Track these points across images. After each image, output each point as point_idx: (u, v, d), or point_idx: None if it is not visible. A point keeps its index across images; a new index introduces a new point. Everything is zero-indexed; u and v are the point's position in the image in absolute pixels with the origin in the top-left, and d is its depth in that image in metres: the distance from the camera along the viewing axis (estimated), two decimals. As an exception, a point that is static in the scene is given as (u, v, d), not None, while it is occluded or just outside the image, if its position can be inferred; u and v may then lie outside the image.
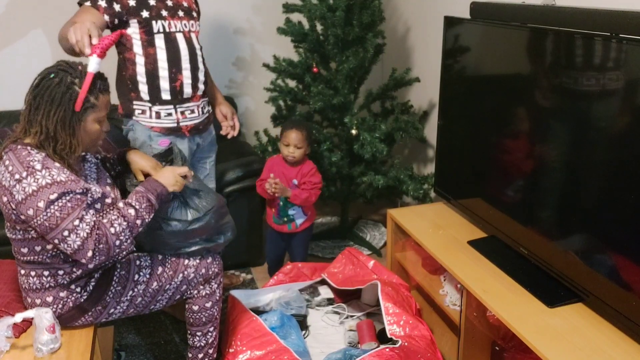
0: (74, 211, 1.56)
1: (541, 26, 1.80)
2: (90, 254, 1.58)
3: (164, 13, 2.16)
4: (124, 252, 1.82)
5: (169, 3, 2.18)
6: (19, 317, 1.61)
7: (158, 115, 2.25)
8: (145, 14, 2.11)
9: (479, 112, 2.18)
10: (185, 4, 2.25)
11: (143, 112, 2.25)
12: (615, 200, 1.57)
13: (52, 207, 1.53)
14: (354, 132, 2.84)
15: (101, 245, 1.59)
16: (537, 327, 1.67)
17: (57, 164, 1.58)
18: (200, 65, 2.30)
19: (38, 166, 1.55)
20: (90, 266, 1.62)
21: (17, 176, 1.54)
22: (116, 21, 2.11)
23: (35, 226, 1.56)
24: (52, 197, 1.53)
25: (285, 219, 2.56)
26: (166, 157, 2.01)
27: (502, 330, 1.89)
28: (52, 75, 1.58)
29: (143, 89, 2.22)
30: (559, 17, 1.74)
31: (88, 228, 1.57)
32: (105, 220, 1.63)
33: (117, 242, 1.62)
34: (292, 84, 3.18)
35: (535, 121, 1.85)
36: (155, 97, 2.22)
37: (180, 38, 2.21)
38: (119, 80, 2.29)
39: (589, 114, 1.64)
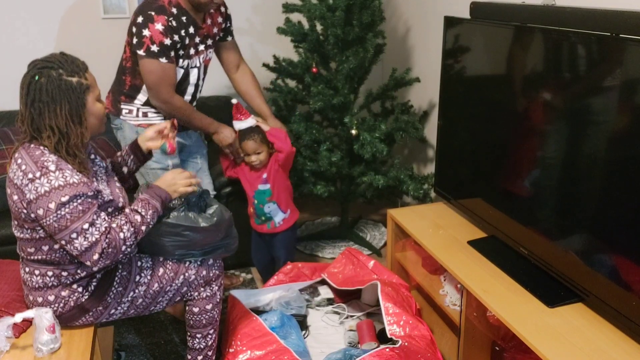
0: (84, 215, 1.56)
1: (541, 26, 1.80)
2: (96, 257, 1.58)
3: (192, 52, 2.24)
4: (127, 257, 1.82)
5: (197, 40, 2.25)
6: (19, 317, 1.61)
7: (145, 115, 2.31)
8: (180, 52, 2.20)
9: (479, 112, 2.18)
10: (215, 30, 2.33)
11: (130, 111, 2.31)
12: (616, 200, 1.57)
13: (63, 209, 1.53)
14: (354, 132, 2.84)
15: (110, 250, 1.60)
16: (537, 327, 1.67)
17: (69, 166, 1.58)
18: (198, 94, 2.41)
19: (52, 167, 1.54)
20: (95, 268, 1.63)
21: (30, 175, 1.54)
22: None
23: (45, 226, 1.56)
24: (64, 199, 1.53)
25: (263, 218, 2.53)
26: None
27: (502, 330, 1.89)
28: (36, 78, 1.55)
29: (141, 99, 2.29)
30: (559, 17, 1.74)
31: (98, 233, 1.58)
32: (114, 225, 1.63)
33: (124, 248, 1.64)
34: (292, 84, 3.18)
35: (535, 121, 1.85)
36: (148, 105, 2.29)
37: (193, 73, 2.31)
38: (118, 81, 2.31)
39: (588, 114, 1.63)
